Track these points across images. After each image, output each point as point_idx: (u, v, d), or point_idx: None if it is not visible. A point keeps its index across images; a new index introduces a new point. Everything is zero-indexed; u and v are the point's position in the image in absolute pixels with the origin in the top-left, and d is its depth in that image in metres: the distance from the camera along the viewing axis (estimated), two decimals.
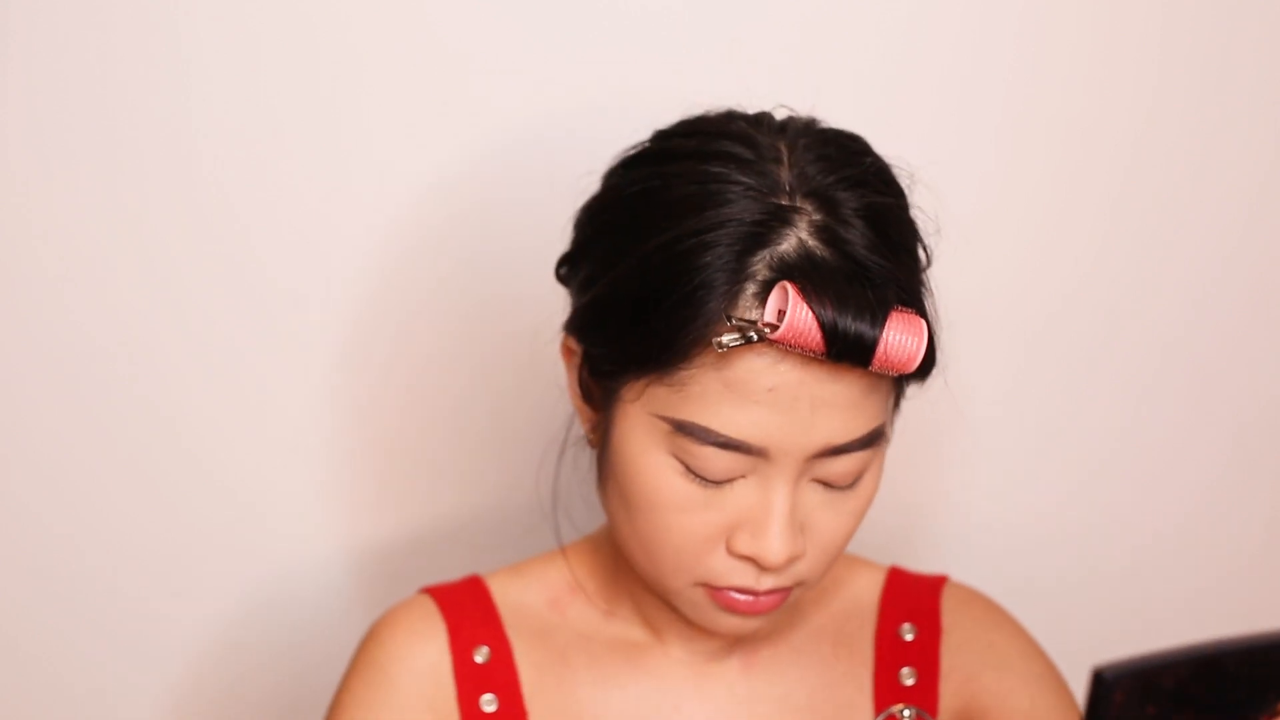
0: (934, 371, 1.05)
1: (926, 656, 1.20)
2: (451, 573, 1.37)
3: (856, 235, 1.01)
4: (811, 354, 0.98)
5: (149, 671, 1.43)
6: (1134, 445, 1.54)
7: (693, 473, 1.03)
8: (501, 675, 1.16)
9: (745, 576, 1.06)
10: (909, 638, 1.20)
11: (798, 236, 1.00)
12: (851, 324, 0.97)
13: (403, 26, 1.35)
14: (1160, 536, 1.56)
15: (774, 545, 1.03)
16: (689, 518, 1.04)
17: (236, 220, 1.36)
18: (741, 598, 1.07)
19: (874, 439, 1.04)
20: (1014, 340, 1.50)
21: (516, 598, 1.19)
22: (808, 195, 1.02)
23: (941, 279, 1.45)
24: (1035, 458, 1.53)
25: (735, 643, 1.18)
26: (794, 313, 0.96)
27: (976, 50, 1.45)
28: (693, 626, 1.15)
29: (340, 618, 1.44)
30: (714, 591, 1.07)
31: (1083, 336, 1.51)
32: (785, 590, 1.07)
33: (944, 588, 1.23)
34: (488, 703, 1.15)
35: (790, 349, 0.98)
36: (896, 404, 1.09)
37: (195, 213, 1.35)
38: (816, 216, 1.01)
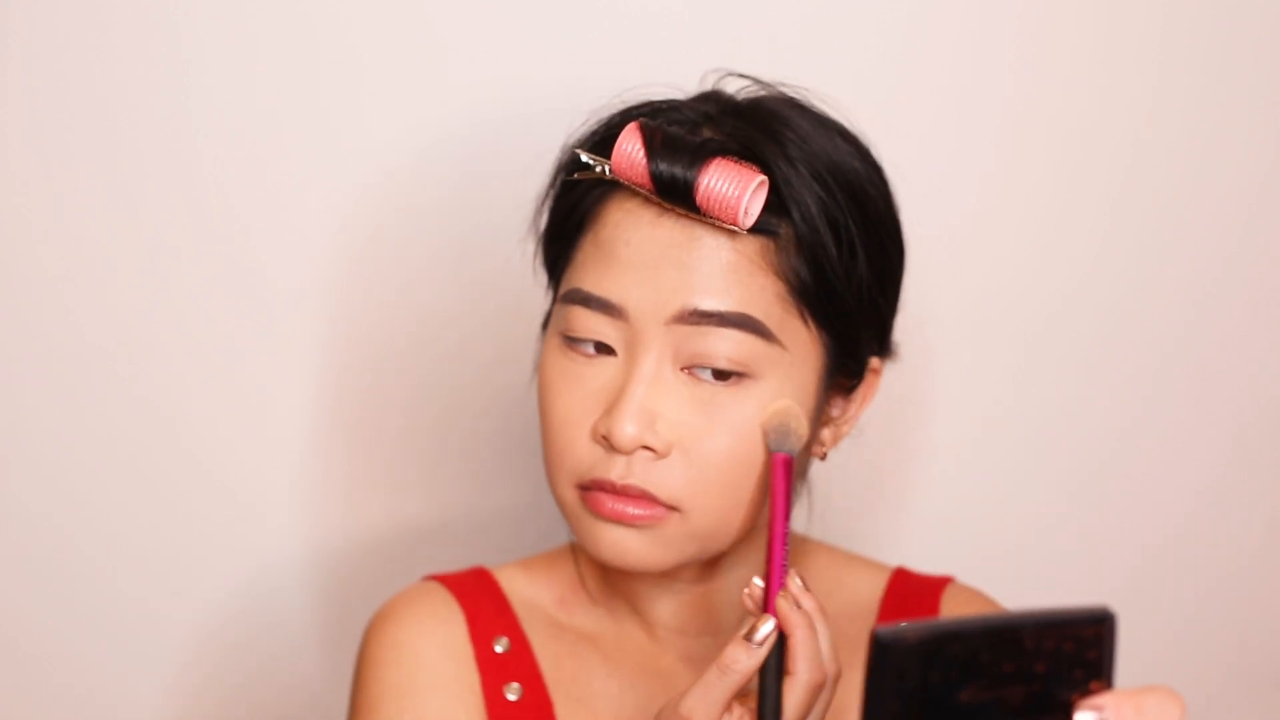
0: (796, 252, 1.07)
1: None
2: (454, 568, 1.37)
3: (722, 110, 1.11)
4: (643, 190, 1.06)
5: (148, 671, 1.42)
6: (1134, 446, 1.54)
7: (568, 344, 1.08)
8: (523, 665, 1.15)
9: (604, 465, 1.06)
10: None
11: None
12: (673, 162, 1.04)
13: (404, 25, 1.35)
14: (1160, 537, 1.56)
15: (620, 417, 1.05)
16: (563, 399, 1.08)
17: (235, 219, 1.36)
18: (607, 500, 1.06)
19: (745, 323, 1.06)
20: (1014, 341, 1.50)
21: (526, 592, 1.20)
22: (710, 107, 1.11)
23: (942, 280, 1.46)
24: (1035, 458, 1.53)
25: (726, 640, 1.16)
26: (626, 145, 1.05)
27: (977, 51, 1.45)
28: (685, 620, 1.16)
29: (339, 615, 1.44)
30: (584, 493, 1.08)
31: (1083, 337, 1.51)
32: (649, 500, 1.06)
33: (946, 588, 1.22)
34: (512, 692, 1.14)
35: (637, 188, 1.06)
36: (840, 354, 1.10)
37: (192, 210, 1.36)
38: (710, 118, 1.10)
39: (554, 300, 1.14)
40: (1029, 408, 1.52)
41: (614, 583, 1.18)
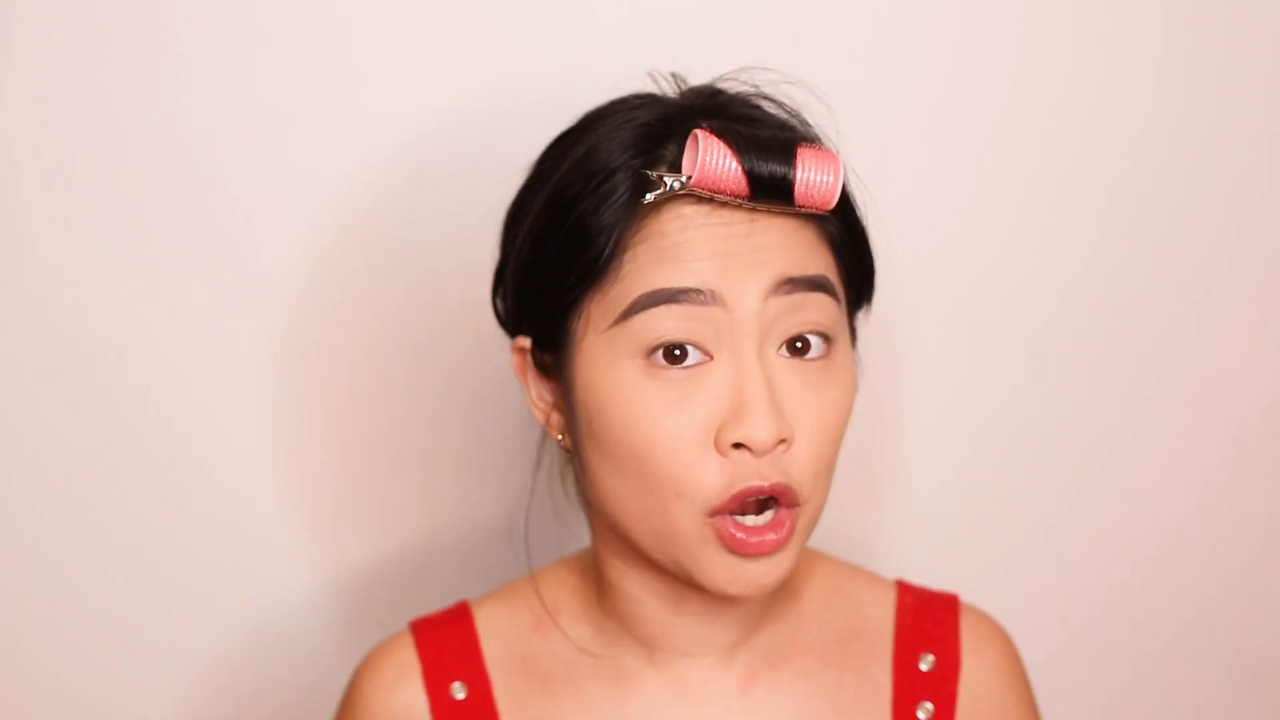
0: (858, 221, 1.09)
1: (944, 691, 1.16)
2: (440, 587, 1.37)
3: (753, 109, 1.08)
4: (736, 198, 1.02)
5: (152, 681, 1.42)
6: (1134, 447, 1.54)
7: (656, 363, 1.02)
8: (479, 710, 1.14)
9: (743, 475, 1.01)
10: (925, 667, 1.16)
11: (697, 121, 1.05)
12: (769, 160, 1.01)
13: (397, 23, 1.35)
14: (1160, 538, 1.56)
15: (755, 418, 1.00)
16: (669, 421, 1.01)
17: (232, 216, 1.36)
18: (750, 537, 1.02)
19: (826, 286, 1.04)
20: (1012, 344, 1.50)
21: (501, 625, 1.17)
22: (699, 104, 1.08)
23: (941, 282, 1.46)
24: (1035, 460, 1.53)
25: (732, 658, 1.14)
26: (711, 154, 1.00)
27: (978, 52, 1.45)
28: (696, 641, 1.13)
29: (336, 636, 1.44)
30: (717, 527, 1.02)
31: (1082, 339, 1.51)
32: (785, 506, 1.02)
33: (960, 615, 1.20)
34: None
35: (715, 195, 1.02)
36: (855, 301, 1.11)
37: (189, 207, 1.36)
38: (710, 113, 1.07)
39: (553, 337, 1.08)
40: (1028, 410, 1.52)
41: (614, 602, 1.14)
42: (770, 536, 1.02)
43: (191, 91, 1.34)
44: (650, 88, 1.13)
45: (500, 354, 1.28)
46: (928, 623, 1.18)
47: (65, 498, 1.38)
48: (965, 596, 1.23)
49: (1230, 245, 1.51)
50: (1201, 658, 1.57)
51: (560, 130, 1.12)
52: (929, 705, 1.16)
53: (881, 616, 1.19)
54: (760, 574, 1.04)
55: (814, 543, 1.23)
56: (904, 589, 1.21)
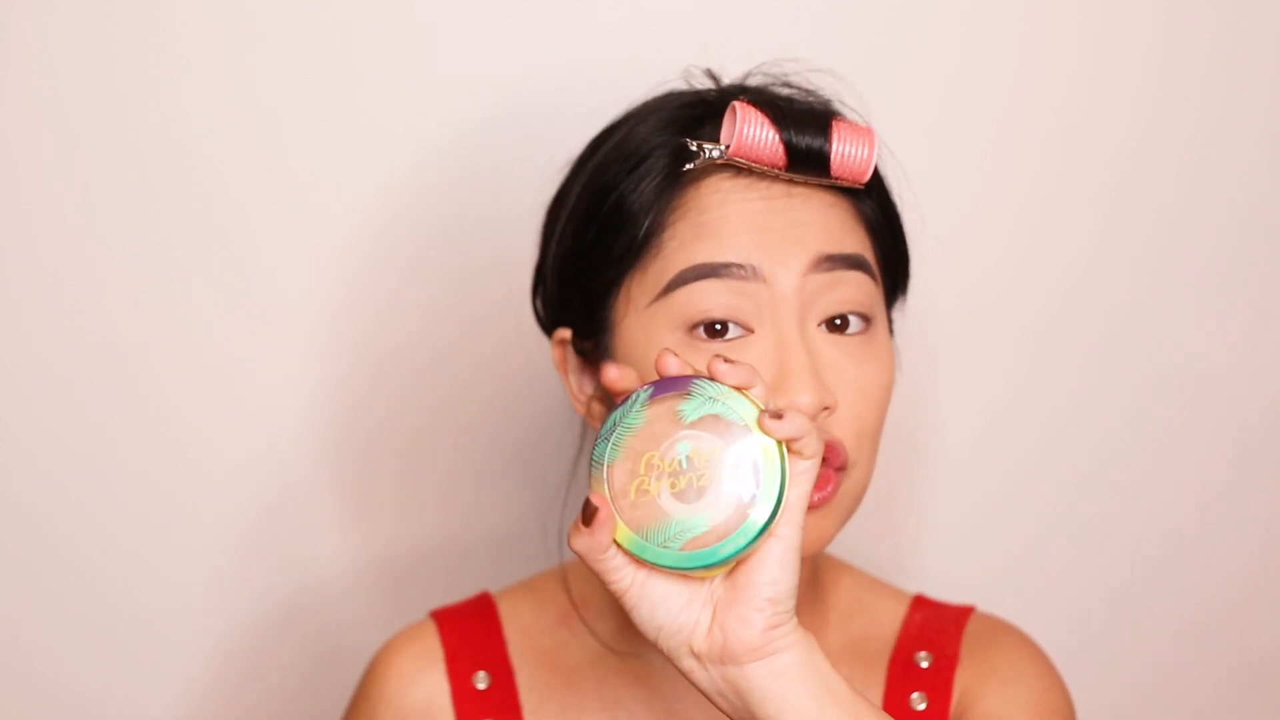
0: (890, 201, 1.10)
1: (940, 681, 1.15)
2: (465, 577, 1.37)
3: (790, 90, 1.11)
4: (773, 169, 1.03)
5: (162, 681, 1.42)
6: (1135, 446, 1.54)
7: (697, 336, 1.02)
8: (502, 701, 1.14)
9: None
10: (924, 665, 1.16)
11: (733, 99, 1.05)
12: (805, 131, 1.02)
13: (404, 29, 1.36)
14: (1161, 537, 1.55)
15: (798, 384, 1.00)
16: None
17: (236, 220, 1.37)
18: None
19: (863, 265, 1.05)
20: (1015, 342, 1.50)
21: (525, 617, 1.17)
22: (734, 88, 1.10)
23: (941, 283, 1.46)
24: (1037, 459, 1.53)
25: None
26: (750, 124, 1.02)
27: (978, 51, 1.45)
28: None
29: (357, 624, 1.44)
30: None
31: (1084, 338, 1.51)
32: (835, 458, 1.02)
33: (969, 620, 1.19)
34: None
35: (753, 166, 1.03)
36: (888, 289, 1.11)
37: (192, 211, 1.36)
38: (748, 93, 1.09)
39: (593, 322, 1.08)
40: (1030, 409, 1.52)
41: None
42: (827, 490, 1.02)
43: (191, 91, 1.34)
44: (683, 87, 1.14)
45: (530, 354, 1.29)
46: (931, 631, 1.18)
47: (65, 498, 1.38)
48: (963, 596, 1.24)
49: (1230, 245, 1.51)
50: (1201, 658, 1.57)
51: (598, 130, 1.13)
52: (923, 696, 1.15)
53: (891, 624, 1.19)
54: (812, 527, 1.02)
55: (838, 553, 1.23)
56: (919, 602, 1.21)
